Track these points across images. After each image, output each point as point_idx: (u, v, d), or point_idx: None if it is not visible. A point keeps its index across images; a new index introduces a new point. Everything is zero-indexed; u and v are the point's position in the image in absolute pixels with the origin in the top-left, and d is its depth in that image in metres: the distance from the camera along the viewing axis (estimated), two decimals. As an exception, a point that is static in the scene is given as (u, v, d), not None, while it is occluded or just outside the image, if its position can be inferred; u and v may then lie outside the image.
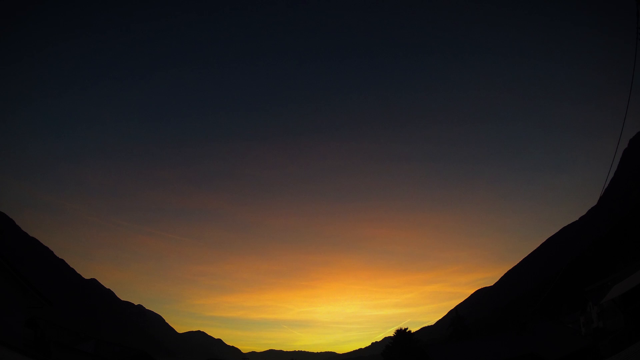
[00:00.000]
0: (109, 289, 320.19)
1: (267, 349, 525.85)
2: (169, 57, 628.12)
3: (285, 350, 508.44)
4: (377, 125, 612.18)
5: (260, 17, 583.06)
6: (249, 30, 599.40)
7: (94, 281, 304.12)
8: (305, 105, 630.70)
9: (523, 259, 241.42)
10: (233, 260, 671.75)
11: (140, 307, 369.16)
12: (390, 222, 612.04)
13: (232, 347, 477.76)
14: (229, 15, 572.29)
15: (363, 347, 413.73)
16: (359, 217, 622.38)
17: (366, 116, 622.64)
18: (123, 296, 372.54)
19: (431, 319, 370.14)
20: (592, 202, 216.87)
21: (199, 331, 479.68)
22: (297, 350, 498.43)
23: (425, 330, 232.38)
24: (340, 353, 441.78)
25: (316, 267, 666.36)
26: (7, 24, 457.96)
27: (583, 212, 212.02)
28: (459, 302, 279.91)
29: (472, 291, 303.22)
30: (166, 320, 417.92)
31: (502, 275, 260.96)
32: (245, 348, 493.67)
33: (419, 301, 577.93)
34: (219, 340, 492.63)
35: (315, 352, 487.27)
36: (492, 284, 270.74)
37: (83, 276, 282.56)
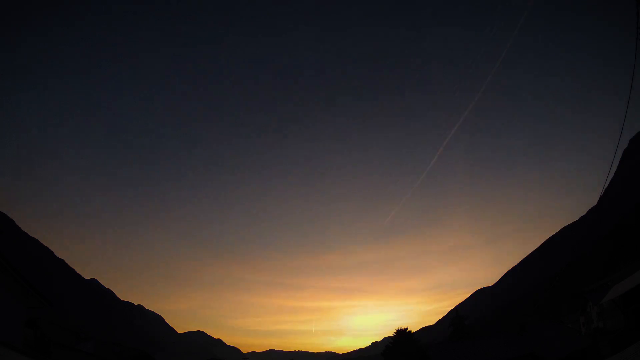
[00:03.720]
0: (109, 289, 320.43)
1: (267, 349, 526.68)
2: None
3: (285, 350, 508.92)
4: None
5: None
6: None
7: (94, 281, 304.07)
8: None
9: (523, 259, 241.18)
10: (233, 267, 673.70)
11: (140, 307, 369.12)
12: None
13: (232, 347, 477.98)
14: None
15: (363, 347, 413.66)
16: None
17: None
18: (123, 296, 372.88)
19: (431, 319, 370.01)
20: (592, 202, 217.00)
21: (199, 331, 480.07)
22: (297, 350, 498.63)
23: (425, 330, 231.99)
24: (340, 353, 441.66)
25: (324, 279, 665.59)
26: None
27: (583, 212, 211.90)
28: (459, 302, 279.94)
29: (472, 291, 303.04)
30: (166, 320, 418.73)
31: (502, 275, 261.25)
32: (245, 348, 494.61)
33: (420, 302, 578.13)
34: (219, 340, 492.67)
35: (315, 352, 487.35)
36: (492, 284, 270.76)
37: (83, 276, 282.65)
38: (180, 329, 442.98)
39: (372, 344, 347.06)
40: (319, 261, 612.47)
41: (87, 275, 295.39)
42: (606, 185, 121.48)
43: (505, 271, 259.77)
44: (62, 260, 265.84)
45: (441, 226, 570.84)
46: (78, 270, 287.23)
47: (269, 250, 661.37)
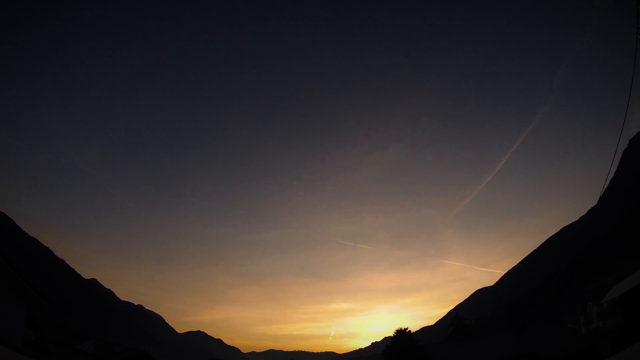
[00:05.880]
0: (109, 289, 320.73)
1: (267, 349, 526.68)
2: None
3: (285, 350, 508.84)
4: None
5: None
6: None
7: (94, 281, 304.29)
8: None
9: (523, 259, 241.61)
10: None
11: (140, 307, 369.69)
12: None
13: (232, 347, 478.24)
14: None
15: (363, 347, 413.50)
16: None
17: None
18: (123, 296, 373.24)
19: (431, 319, 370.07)
20: (592, 202, 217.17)
21: (199, 331, 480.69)
22: (297, 350, 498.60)
23: (425, 330, 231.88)
24: (340, 353, 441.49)
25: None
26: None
27: (583, 212, 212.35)
28: (459, 302, 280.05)
29: (472, 291, 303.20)
30: (166, 320, 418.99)
31: (502, 275, 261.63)
32: (245, 348, 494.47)
33: (419, 302, 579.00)
34: (219, 340, 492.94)
35: (315, 352, 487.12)
36: (492, 284, 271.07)
37: (83, 276, 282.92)
38: (180, 329, 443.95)
39: (372, 343, 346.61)
40: (344, 285, 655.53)
41: (87, 275, 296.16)
42: (606, 185, 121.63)
43: (505, 271, 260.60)
44: (62, 260, 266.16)
45: (442, 258, 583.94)
46: (78, 270, 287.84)
47: (304, 276, 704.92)
